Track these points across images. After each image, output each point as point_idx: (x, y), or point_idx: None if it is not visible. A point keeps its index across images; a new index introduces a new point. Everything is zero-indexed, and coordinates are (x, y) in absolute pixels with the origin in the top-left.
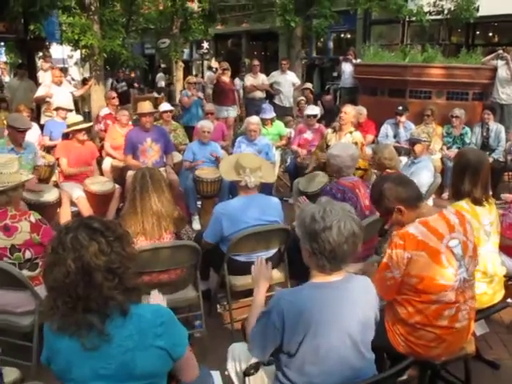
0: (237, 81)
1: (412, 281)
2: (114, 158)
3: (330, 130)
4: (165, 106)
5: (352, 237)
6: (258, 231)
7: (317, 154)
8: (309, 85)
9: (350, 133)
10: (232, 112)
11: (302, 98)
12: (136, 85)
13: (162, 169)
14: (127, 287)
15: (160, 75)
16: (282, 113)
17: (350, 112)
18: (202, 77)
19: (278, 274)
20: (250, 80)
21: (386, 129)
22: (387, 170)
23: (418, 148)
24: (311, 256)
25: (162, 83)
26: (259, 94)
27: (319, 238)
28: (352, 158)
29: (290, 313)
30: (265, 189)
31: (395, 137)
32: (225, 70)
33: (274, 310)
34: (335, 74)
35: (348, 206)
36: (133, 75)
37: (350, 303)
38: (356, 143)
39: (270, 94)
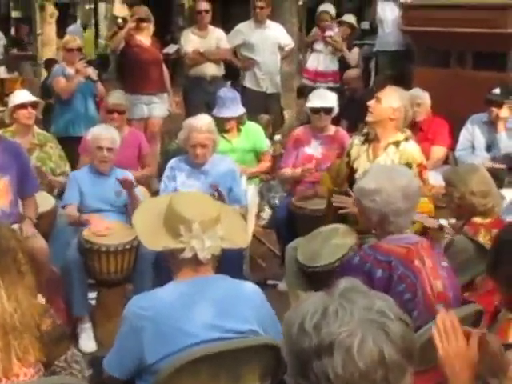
0: (170, 48)
1: None
2: None
3: (356, 140)
4: (21, 96)
5: (379, 367)
6: (217, 354)
7: (325, 178)
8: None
9: (396, 144)
10: (158, 107)
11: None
12: None
13: (14, 226)
14: None
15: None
16: (260, 106)
17: (393, 102)
18: (97, 37)
19: None
20: (192, 41)
21: (472, 133)
22: (474, 220)
23: None
24: None
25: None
26: (212, 70)
27: (310, 370)
28: (406, 195)
29: None
30: (229, 263)
31: (490, 149)
32: (141, 23)
33: None
34: (365, 26)
35: (386, 301)
36: None
37: None
38: (409, 165)
39: (235, 69)
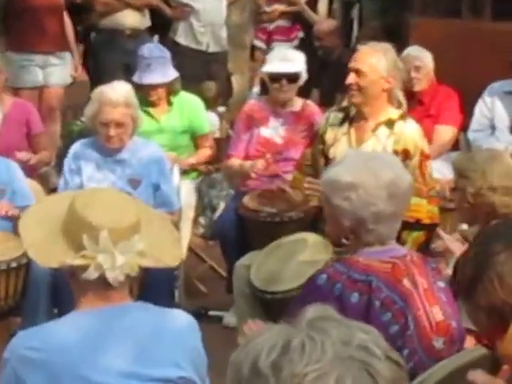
0: None
1: None
2: None
3: (332, 118)
4: None
5: None
6: None
7: (299, 180)
8: None
9: (389, 123)
10: (57, 72)
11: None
12: None
13: None
14: None
15: None
16: (199, 70)
17: (380, 66)
18: None
19: None
20: None
21: (491, 108)
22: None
23: None
24: None
25: None
26: (132, 20)
27: None
28: (393, 194)
29: None
30: (155, 287)
31: None
32: None
33: None
34: None
35: (369, 333)
36: None
37: None
38: (407, 153)
39: (164, 19)
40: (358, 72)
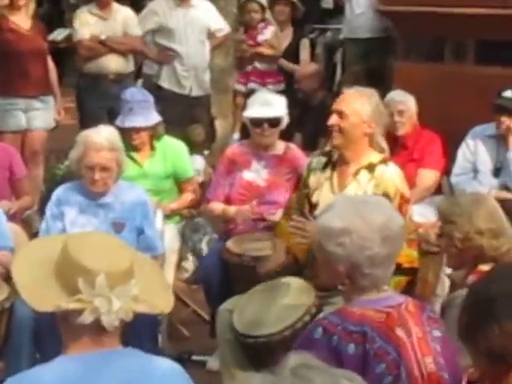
0: (57, 33)
1: None
2: None
3: (315, 163)
4: None
5: None
6: None
7: (283, 226)
8: None
9: (370, 168)
10: (40, 116)
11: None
12: None
13: None
14: None
15: None
16: (182, 115)
17: (363, 110)
18: None
19: None
20: (89, 24)
21: (474, 152)
22: (481, 268)
23: None
24: None
25: None
26: (116, 65)
27: None
28: (386, 237)
29: None
30: (138, 332)
31: (498, 173)
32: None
33: None
34: (327, 5)
35: (354, 381)
36: None
37: None
38: (387, 196)
39: (142, 66)
40: (340, 114)
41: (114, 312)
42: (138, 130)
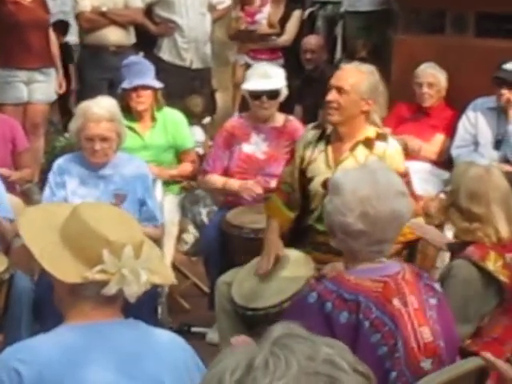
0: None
1: None
2: None
3: (308, 135)
4: None
5: None
6: None
7: (280, 212)
8: None
9: (367, 143)
10: (42, 88)
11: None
12: None
13: None
14: None
15: None
16: (182, 87)
17: (362, 87)
18: None
19: None
20: None
21: (474, 125)
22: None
23: None
24: None
25: None
26: (117, 37)
27: None
28: (364, 214)
29: None
30: (137, 304)
31: (499, 145)
32: None
33: None
34: None
35: (335, 348)
36: None
37: None
38: None
39: (149, 36)
40: (339, 90)
41: (143, 284)
42: (146, 88)
